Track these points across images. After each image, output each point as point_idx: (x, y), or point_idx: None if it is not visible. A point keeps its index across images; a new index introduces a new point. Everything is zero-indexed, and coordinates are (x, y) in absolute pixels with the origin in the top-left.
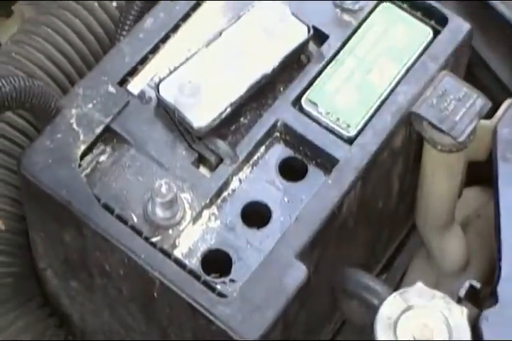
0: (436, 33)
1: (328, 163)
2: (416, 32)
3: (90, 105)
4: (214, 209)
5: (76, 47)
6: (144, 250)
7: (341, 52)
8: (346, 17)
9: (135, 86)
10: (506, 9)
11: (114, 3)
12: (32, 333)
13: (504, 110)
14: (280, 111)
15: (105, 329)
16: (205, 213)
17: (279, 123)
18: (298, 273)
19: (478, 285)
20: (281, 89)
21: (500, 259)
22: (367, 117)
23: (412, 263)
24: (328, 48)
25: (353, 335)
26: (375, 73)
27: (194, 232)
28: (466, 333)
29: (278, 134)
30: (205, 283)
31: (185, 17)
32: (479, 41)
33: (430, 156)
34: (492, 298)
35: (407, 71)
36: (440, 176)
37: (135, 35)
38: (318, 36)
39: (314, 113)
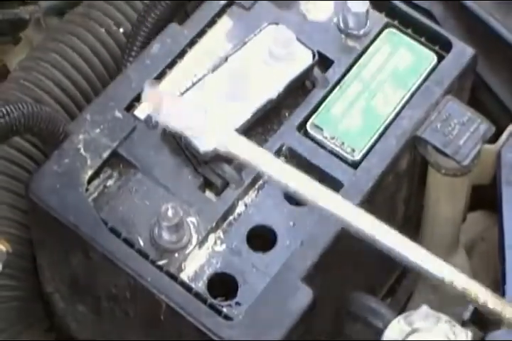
0: (440, 58)
1: (333, 186)
2: (420, 57)
3: (97, 130)
4: (220, 233)
5: (83, 73)
6: (151, 273)
7: (346, 78)
8: (351, 42)
9: (142, 111)
10: (509, 33)
11: (121, 29)
12: None
13: (508, 134)
14: (285, 136)
15: None
16: (211, 237)
17: (284, 148)
18: (303, 296)
19: None
20: (287, 114)
21: (504, 283)
22: (372, 141)
23: (416, 288)
24: (333, 73)
25: None
26: (380, 98)
27: (200, 256)
28: None
29: (283, 159)
30: (212, 306)
31: (192, 43)
32: (483, 66)
33: (435, 180)
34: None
35: (412, 96)
36: (445, 200)
37: (142, 60)
38: (323, 61)
39: (319, 137)
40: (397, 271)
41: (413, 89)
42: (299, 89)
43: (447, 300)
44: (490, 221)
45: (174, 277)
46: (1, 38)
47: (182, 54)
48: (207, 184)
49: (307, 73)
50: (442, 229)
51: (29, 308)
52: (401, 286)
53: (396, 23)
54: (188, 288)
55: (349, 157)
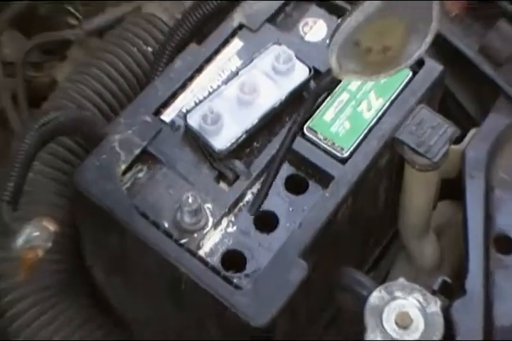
0: (414, 73)
1: (325, 179)
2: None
3: (130, 131)
4: (231, 217)
5: (118, 84)
6: (174, 250)
7: (336, 89)
8: None
9: (167, 116)
10: (470, 51)
11: (150, 48)
12: (80, 320)
13: (470, 137)
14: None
15: (142, 317)
16: (224, 220)
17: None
18: (301, 270)
19: (449, 280)
20: (287, 119)
21: (467, 260)
22: (357, 142)
23: (395, 263)
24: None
25: (347, 322)
26: (364, 106)
27: (215, 236)
28: (440, 320)
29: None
30: (224, 278)
31: (208, 59)
32: (450, 79)
33: (410, 174)
34: (461, 290)
35: (391, 104)
36: (418, 191)
37: (166, 74)
38: (318, 75)
39: (314, 138)
40: (378, 249)
41: (392, 98)
42: (297, 98)
43: (420, 274)
44: (456, 208)
45: (193, 253)
46: (50, 56)
47: (200, 69)
48: (221, 176)
49: (304, 85)
50: (416, 215)
51: (72, 278)
52: (382, 262)
53: None
54: (204, 263)
55: (339, 155)
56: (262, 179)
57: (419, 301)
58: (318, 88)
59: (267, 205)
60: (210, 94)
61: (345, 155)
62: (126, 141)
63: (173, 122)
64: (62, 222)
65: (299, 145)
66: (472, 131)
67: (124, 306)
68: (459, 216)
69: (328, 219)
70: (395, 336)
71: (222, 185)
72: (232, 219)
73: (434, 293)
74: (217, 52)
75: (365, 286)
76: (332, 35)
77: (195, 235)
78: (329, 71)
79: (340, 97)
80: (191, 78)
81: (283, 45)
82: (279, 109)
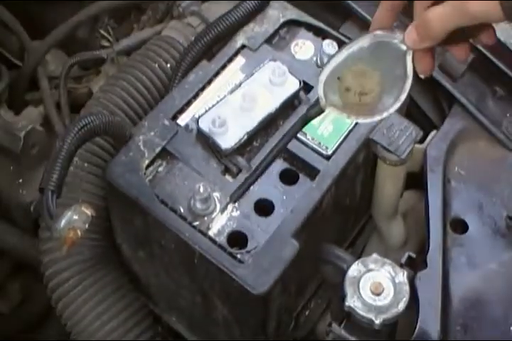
0: None
1: (313, 172)
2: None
3: (152, 133)
4: (236, 203)
5: (142, 94)
6: (188, 231)
7: None
8: None
9: (182, 120)
10: None
11: (169, 65)
12: (113, 287)
13: (431, 137)
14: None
15: (162, 286)
16: (229, 206)
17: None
18: (293, 247)
19: (414, 255)
20: (281, 122)
21: (428, 239)
22: (339, 142)
23: (369, 241)
24: (313, 95)
25: (329, 289)
26: None
27: (222, 219)
28: (406, 288)
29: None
30: (230, 254)
31: (217, 74)
32: (415, 90)
33: (382, 169)
34: (423, 264)
35: None
36: (388, 182)
37: (182, 86)
38: (306, 87)
39: (303, 138)
40: (355, 230)
41: None
42: (289, 105)
43: (390, 250)
44: (419, 196)
45: (204, 233)
46: (87, 71)
47: (210, 81)
48: (226, 170)
49: (295, 95)
50: (386, 202)
51: (107, 253)
52: (358, 240)
53: None
54: (213, 241)
55: (324, 152)
56: (260, 172)
57: (389, 273)
58: (307, 116)
59: (265, 194)
60: (217, 102)
61: (329, 152)
62: (149, 141)
63: (187, 125)
64: (97, 207)
65: (292, 144)
66: (432, 133)
67: (147, 276)
68: (421, 203)
69: (315, 205)
70: (369, 301)
71: (228, 177)
72: (236, 205)
73: (401, 266)
74: (223, 67)
75: (344, 260)
76: (323, 67)
77: (206, 218)
78: (317, 101)
79: None
80: (202, 89)
81: (278, 62)
82: (274, 115)
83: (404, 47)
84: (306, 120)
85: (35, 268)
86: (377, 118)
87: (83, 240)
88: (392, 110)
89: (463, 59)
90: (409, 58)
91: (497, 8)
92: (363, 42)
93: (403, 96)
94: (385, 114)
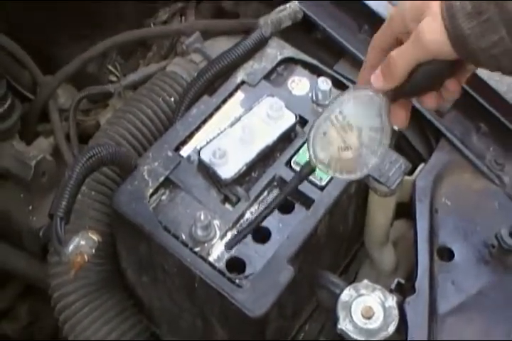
0: None
1: (308, 202)
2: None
3: (156, 163)
4: (234, 231)
5: (147, 126)
6: (189, 256)
7: None
8: (319, 109)
9: (185, 151)
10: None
11: (172, 99)
12: (117, 310)
13: (419, 170)
14: (277, 169)
15: (165, 309)
16: (229, 233)
17: (276, 177)
18: (288, 272)
19: (403, 281)
20: (278, 154)
21: (416, 265)
22: None
23: (361, 268)
24: (308, 128)
25: (323, 313)
26: None
27: (221, 245)
28: (395, 312)
29: (276, 183)
30: (229, 279)
31: (218, 108)
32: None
33: (373, 199)
34: (412, 289)
35: None
36: (379, 212)
37: (185, 119)
38: (302, 121)
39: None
40: (348, 257)
41: None
42: (286, 138)
43: (380, 276)
44: (408, 225)
45: (204, 259)
46: (96, 105)
47: (211, 115)
48: (226, 199)
49: (291, 128)
50: (378, 231)
51: (111, 277)
52: (351, 267)
53: None
54: (213, 266)
55: (318, 183)
56: (258, 201)
57: (379, 297)
58: (300, 175)
59: (263, 222)
60: (218, 134)
61: (323, 183)
62: (153, 170)
63: (189, 156)
64: (103, 234)
65: (288, 175)
66: (421, 166)
67: (150, 300)
68: (410, 231)
69: (309, 233)
70: (360, 324)
71: (227, 205)
72: (235, 232)
73: (391, 291)
74: (224, 102)
75: (337, 285)
76: (311, 126)
77: (206, 245)
78: (308, 162)
79: None
80: (204, 122)
81: (275, 97)
82: (272, 147)
83: (380, 101)
84: (300, 179)
85: (43, 291)
86: (358, 174)
87: (89, 265)
88: (371, 166)
89: (433, 107)
90: (384, 111)
91: (444, 36)
92: (344, 97)
93: (382, 151)
94: (365, 170)
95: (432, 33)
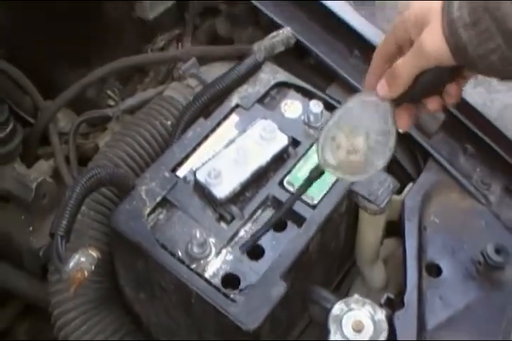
0: None
1: (299, 220)
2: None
3: (153, 184)
4: (229, 248)
5: (144, 148)
6: (186, 273)
7: (308, 153)
8: (311, 131)
9: (181, 172)
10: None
11: (169, 122)
12: (115, 326)
13: (408, 189)
14: (270, 188)
15: (162, 325)
16: (224, 251)
17: (269, 196)
18: (281, 288)
19: (392, 296)
20: (272, 175)
21: (405, 280)
22: (324, 192)
23: (353, 284)
24: (301, 150)
25: (316, 328)
26: None
27: (216, 262)
28: (385, 326)
29: (269, 203)
30: (224, 294)
31: (212, 130)
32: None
33: (363, 217)
34: (400, 304)
35: None
36: (369, 230)
37: (182, 141)
38: (294, 143)
39: (291, 189)
40: (340, 274)
41: None
42: (279, 159)
43: (371, 292)
44: (398, 243)
45: (200, 275)
46: (94, 128)
47: (206, 137)
48: (221, 218)
49: (284, 150)
50: (368, 248)
51: (109, 294)
52: (343, 284)
53: None
54: (209, 282)
55: (310, 202)
56: (252, 220)
57: (369, 311)
58: (310, 178)
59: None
60: (213, 156)
61: (315, 202)
62: (150, 191)
63: (185, 177)
64: (102, 252)
65: (280, 195)
66: (409, 185)
67: (148, 316)
68: (400, 249)
69: (301, 250)
70: (351, 337)
71: (222, 224)
72: (230, 250)
73: (381, 305)
74: (219, 124)
75: (329, 300)
76: (320, 131)
77: (202, 262)
78: (317, 167)
79: (311, 159)
80: (200, 144)
81: (268, 120)
82: (265, 167)
83: (386, 106)
84: (309, 181)
85: (42, 311)
86: (365, 176)
87: (88, 282)
88: (379, 168)
89: (436, 109)
90: (390, 116)
91: (445, 46)
92: (351, 103)
93: (388, 153)
94: (372, 172)
95: (433, 44)
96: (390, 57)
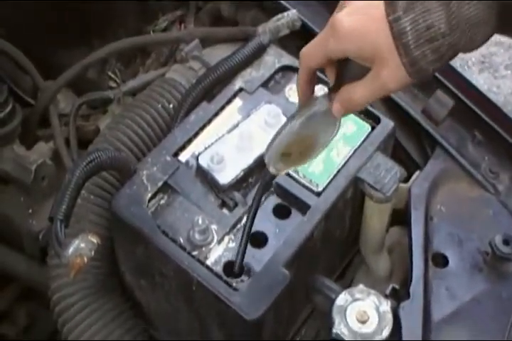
0: (373, 128)
1: (304, 207)
2: (360, 127)
3: (155, 168)
4: (231, 235)
5: (146, 132)
6: (187, 260)
7: None
8: None
9: (183, 157)
10: (415, 113)
11: (171, 105)
12: (115, 312)
13: (415, 177)
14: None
15: (162, 312)
16: (226, 238)
17: (273, 183)
18: (284, 277)
19: (397, 287)
20: None
21: (411, 272)
22: (329, 179)
23: (357, 274)
24: None
25: (319, 318)
26: (335, 152)
27: (219, 249)
28: (390, 317)
29: (273, 189)
30: (226, 282)
31: (216, 114)
32: (400, 133)
33: (368, 205)
34: (406, 295)
35: (355, 151)
36: (375, 218)
37: (184, 125)
38: None
39: (296, 176)
40: (344, 262)
41: (356, 147)
42: None
43: (376, 282)
44: (403, 232)
45: (202, 262)
46: (95, 110)
47: (209, 121)
48: (224, 204)
49: None
50: (373, 237)
51: (109, 280)
52: (347, 273)
53: None
54: (210, 270)
55: (314, 189)
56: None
57: (374, 302)
58: (264, 182)
59: (259, 227)
60: (216, 140)
61: (320, 189)
62: (152, 175)
63: (187, 162)
64: (102, 237)
65: (285, 181)
66: (416, 173)
67: (148, 303)
68: (405, 238)
69: (305, 238)
70: (355, 328)
71: (225, 210)
72: (232, 237)
73: (386, 296)
74: (222, 108)
75: (333, 290)
76: (267, 149)
77: (204, 249)
78: (267, 171)
79: None
80: (202, 128)
81: (272, 104)
82: None
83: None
84: (264, 185)
85: (41, 295)
86: (316, 153)
87: (88, 268)
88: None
89: None
90: (336, 117)
91: (407, 78)
92: (298, 118)
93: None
94: (322, 148)
95: (396, 81)
96: (318, 68)
